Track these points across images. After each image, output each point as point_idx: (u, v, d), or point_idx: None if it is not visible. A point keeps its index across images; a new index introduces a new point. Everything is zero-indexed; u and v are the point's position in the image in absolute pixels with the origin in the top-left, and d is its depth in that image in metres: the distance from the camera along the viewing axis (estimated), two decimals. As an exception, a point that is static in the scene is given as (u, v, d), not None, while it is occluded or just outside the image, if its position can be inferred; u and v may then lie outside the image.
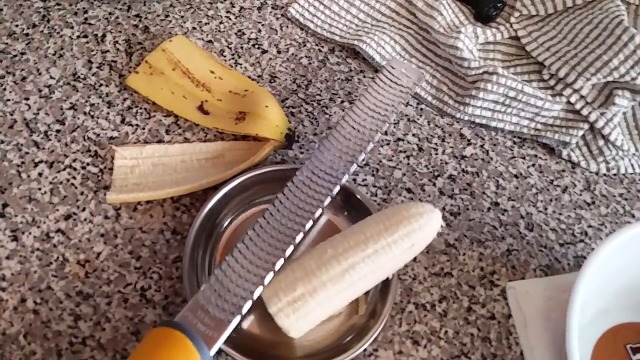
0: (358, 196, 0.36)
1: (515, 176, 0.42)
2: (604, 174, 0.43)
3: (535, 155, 0.43)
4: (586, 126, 0.42)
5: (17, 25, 0.42)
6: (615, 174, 0.43)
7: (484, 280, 0.37)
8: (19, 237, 0.34)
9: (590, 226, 0.40)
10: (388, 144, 0.42)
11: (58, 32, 0.42)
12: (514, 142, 0.44)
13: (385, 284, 0.33)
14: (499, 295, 0.36)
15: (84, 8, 0.44)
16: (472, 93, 0.42)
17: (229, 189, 0.35)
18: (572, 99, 0.43)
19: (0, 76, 0.39)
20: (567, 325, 0.29)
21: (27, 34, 0.42)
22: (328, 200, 0.33)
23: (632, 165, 0.43)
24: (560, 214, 0.41)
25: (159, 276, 0.34)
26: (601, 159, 0.43)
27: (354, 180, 0.39)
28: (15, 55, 0.41)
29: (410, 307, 0.35)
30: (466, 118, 0.43)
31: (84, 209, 0.35)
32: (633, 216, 0.41)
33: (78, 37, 0.42)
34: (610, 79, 0.41)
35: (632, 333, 0.36)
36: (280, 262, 0.30)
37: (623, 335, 0.36)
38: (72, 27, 0.43)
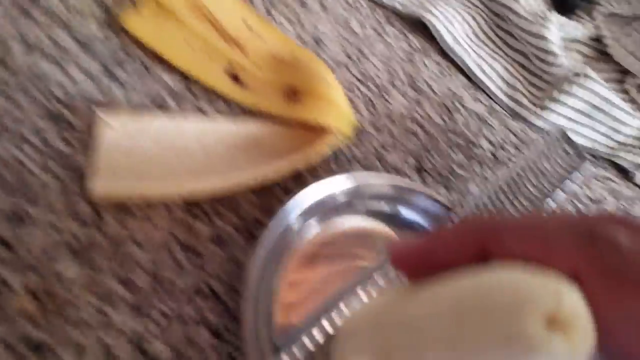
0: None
1: (591, 199, 0.36)
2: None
3: (609, 178, 0.38)
4: (662, 149, 0.38)
5: None
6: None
7: None
8: None
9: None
10: (459, 147, 0.33)
11: None
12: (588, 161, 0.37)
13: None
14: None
15: None
16: (553, 95, 0.35)
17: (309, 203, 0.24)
18: (655, 116, 0.37)
19: None
20: None
21: None
22: None
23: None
24: None
25: (166, 319, 0.22)
26: (673, 188, 0.38)
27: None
28: None
29: None
30: (540, 123, 0.36)
31: (44, 207, 0.22)
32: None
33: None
34: None
35: None
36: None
37: None
38: None
